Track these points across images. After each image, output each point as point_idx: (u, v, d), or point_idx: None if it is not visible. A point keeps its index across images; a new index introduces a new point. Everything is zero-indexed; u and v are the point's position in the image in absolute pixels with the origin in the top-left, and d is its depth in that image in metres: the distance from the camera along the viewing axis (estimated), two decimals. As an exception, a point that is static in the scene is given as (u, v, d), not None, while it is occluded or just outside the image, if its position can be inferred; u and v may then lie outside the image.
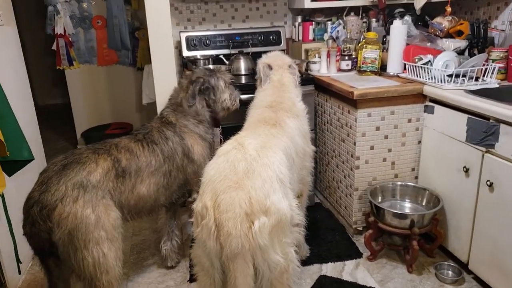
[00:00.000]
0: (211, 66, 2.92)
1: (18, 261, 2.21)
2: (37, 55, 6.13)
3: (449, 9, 2.73)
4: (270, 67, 2.28)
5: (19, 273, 2.31)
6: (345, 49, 2.95)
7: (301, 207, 2.28)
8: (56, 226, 1.64)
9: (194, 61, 2.94)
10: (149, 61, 2.63)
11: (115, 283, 1.79)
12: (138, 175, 1.96)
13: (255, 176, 1.49)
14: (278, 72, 2.26)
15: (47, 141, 4.14)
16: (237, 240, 1.41)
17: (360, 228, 2.68)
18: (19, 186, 2.33)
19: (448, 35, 2.76)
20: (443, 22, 2.76)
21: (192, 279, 2.28)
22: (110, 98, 4.43)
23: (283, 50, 3.28)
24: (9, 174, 2.04)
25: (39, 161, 2.73)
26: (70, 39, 3.97)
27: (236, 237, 1.41)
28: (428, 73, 2.46)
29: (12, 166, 2.02)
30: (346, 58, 2.92)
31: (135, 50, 4.19)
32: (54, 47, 3.96)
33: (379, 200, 2.52)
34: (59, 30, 3.88)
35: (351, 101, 2.46)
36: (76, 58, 4.08)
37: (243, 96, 2.52)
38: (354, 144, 2.51)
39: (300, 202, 2.24)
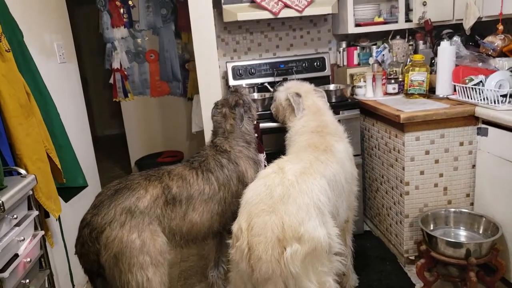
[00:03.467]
0: (255, 94, 2.99)
1: (73, 284, 2.31)
2: (97, 89, 6.57)
3: (501, 27, 2.62)
4: (298, 95, 2.29)
5: (73, 296, 2.41)
6: (391, 73, 2.91)
7: (349, 233, 2.23)
8: (103, 249, 1.71)
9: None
10: (198, 92, 2.74)
11: (159, 308, 1.81)
12: (189, 202, 1.99)
13: (290, 202, 1.48)
14: (309, 98, 2.28)
15: (104, 169, 4.39)
16: (267, 265, 1.41)
17: (412, 257, 2.55)
18: (75, 211, 2.46)
19: (502, 54, 2.65)
20: (495, 41, 2.65)
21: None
22: (162, 128, 4.62)
23: (327, 76, 3.30)
24: (66, 200, 2.17)
25: (94, 188, 2.89)
26: (125, 72, 4.22)
27: (266, 261, 1.41)
28: (480, 94, 2.35)
29: (68, 192, 2.15)
30: (393, 81, 2.87)
31: (185, 81, 4.36)
32: (111, 80, 4.24)
33: (431, 228, 2.40)
34: (116, 64, 4.14)
35: (398, 125, 2.40)
36: (131, 90, 4.31)
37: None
38: (403, 169, 2.43)
39: (347, 228, 2.19)
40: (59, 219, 2.13)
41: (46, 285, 1.81)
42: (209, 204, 2.05)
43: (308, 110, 2.24)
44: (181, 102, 4.55)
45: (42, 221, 1.90)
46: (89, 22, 5.59)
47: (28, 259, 1.61)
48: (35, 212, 1.71)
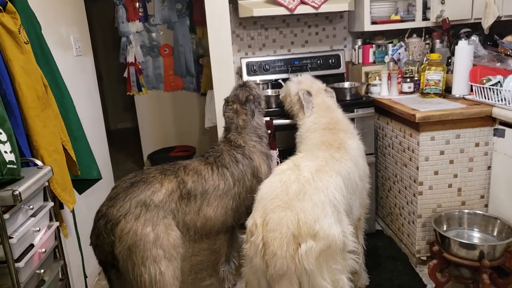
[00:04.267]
0: (269, 91, 2.98)
1: (85, 275, 2.34)
2: (111, 83, 6.62)
3: (520, 27, 2.58)
4: (309, 93, 2.30)
5: (86, 287, 2.43)
6: (407, 71, 2.88)
7: (361, 231, 2.22)
8: (118, 241, 1.73)
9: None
10: (212, 87, 2.74)
11: (171, 301, 1.83)
12: (204, 197, 2.00)
13: (305, 199, 1.49)
14: (319, 97, 2.30)
15: (117, 162, 4.44)
16: (282, 261, 1.41)
17: (424, 258, 2.54)
18: (89, 203, 2.50)
19: (521, 54, 2.60)
20: (515, 41, 2.61)
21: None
22: (175, 122, 4.64)
23: (342, 74, 3.28)
24: (80, 192, 2.19)
25: (108, 181, 2.93)
26: (140, 66, 4.25)
27: (281, 257, 1.41)
28: (497, 94, 2.32)
29: (82, 185, 2.17)
30: (408, 80, 2.84)
31: (199, 77, 4.38)
32: (125, 74, 4.27)
33: (444, 229, 2.38)
34: (130, 58, 4.18)
35: (413, 124, 2.37)
36: (145, 84, 4.34)
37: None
38: (417, 168, 2.40)
39: (359, 225, 2.19)
40: (73, 211, 2.16)
41: (60, 276, 1.83)
42: (224, 199, 2.07)
43: (318, 107, 2.25)
44: (194, 97, 4.57)
45: (57, 212, 1.92)
46: (103, 16, 5.62)
47: (43, 250, 1.63)
48: (51, 203, 1.73)
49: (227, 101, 2.40)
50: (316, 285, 1.48)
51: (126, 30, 4.07)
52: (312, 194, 1.51)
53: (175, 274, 1.85)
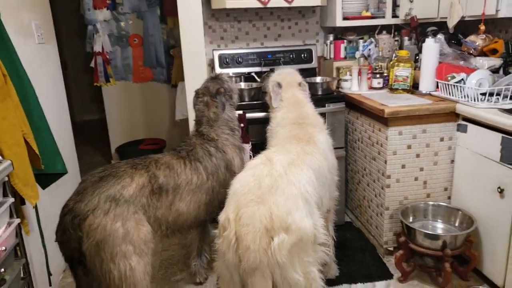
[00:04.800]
0: (242, 84, 2.97)
1: (49, 273, 2.27)
2: (77, 72, 6.40)
3: (482, 27, 2.69)
4: (279, 85, 2.31)
5: (50, 285, 2.36)
6: (377, 67, 2.94)
7: (331, 223, 2.27)
8: (86, 236, 1.69)
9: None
10: (183, 78, 2.70)
11: (142, 297, 1.80)
12: (176, 192, 1.99)
13: (278, 193, 1.51)
14: (289, 90, 2.29)
15: (83, 155, 4.32)
16: (255, 254, 1.43)
17: (391, 249, 2.62)
18: (53, 199, 2.41)
19: (482, 54, 2.71)
20: (477, 40, 2.72)
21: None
22: (144, 114, 4.55)
23: (314, 68, 3.31)
24: (43, 187, 2.11)
25: (73, 175, 2.84)
26: (107, 56, 4.14)
27: (254, 251, 1.42)
28: (461, 91, 2.41)
29: (46, 179, 2.09)
30: (378, 76, 2.91)
31: (169, 68, 4.31)
32: (92, 64, 4.15)
33: (411, 220, 2.46)
34: (97, 48, 4.06)
35: (382, 119, 2.44)
36: (113, 75, 4.24)
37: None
38: (385, 162, 2.47)
39: (328, 217, 2.23)
40: (35, 206, 2.08)
41: (22, 274, 1.75)
42: (197, 193, 2.06)
43: (287, 102, 2.26)
44: (164, 89, 4.49)
45: (18, 209, 1.83)
46: (68, 1, 5.41)
47: (3, 248, 1.55)
48: (11, 199, 1.64)
49: (197, 94, 2.37)
50: (288, 277, 1.51)
51: (93, 18, 3.95)
52: (284, 188, 1.53)
53: (145, 270, 1.83)
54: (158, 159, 2.03)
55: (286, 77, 2.37)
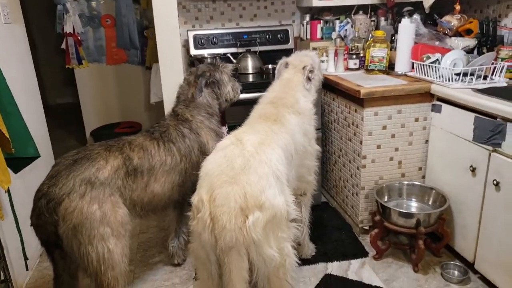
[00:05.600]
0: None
1: (25, 257, 2.24)
2: (48, 54, 6.19)
3: (458, 7, 2.71)
4: (286, 65, 2.30)
5: (27, 269, 2.33)
6: (353, 48, 2.94)
7: (306, 206, 2.28)
8: (62, 220, 1.67)
9: (201, 59, 2.96)
10: (157, 60, 2.65)
11: (120, 279, 1.80)
12: (151, 173, 1.98)
13: (251, 172, 1.52)
14: (291, 71, 2.26)
15: (57, 139, 4.22)
16: (231, 233, 1.44)
17: (367, 227, 2.67)
18: (26, 183, 2.36)
19: (457, 34, 2.74)
20: (452, 20, 2.74)
21: (196, 277, 2.29)
22: (119, 97, 4.46)
23: (291, 49, 3.29)
24: (15, 171, 2.06)
25: (46, 159, 2.77)
26: (79, 38, 4.01)
27: (230, 230, 1.44)
28: (436, 71, 2.44)
29: (18, 163, 2.04)
30: (354, 57, 2.91)
31: (143, 49, 4.21)
32: (63, 46, 4.01)
33: (386, 200, 2.51)
34: (68, 29, 3.92)
35: (358, 100, 2.45)
36: (85, 57, 4.11)
37: (250, 95, 2.55)
38: (361, 143, 2.50)
39: (304, 201, 2.24)
40: (8, 191, 2.04)
41: (-3, 260, 1.74)
42: (171, 175, 2.05)
43: (279, 81, 2.24)
44: (139, 70, 4.39)
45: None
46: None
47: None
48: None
49: (189, 72, 2.38)
50: (263, 253, 1.53)
51: (63, -3, 3.80)
52: (256, 167, 1.54)
53: (123, 252, 1.83)
54: (132, 140, 2.01)
55: (296, 59, 2.32)
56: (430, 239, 2.43)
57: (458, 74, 2.36)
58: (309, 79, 2.23)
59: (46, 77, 6.30)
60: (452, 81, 2.35)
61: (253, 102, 2.24)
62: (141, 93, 4.48)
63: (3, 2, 2.39)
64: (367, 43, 2.83)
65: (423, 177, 2.62)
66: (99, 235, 1.72)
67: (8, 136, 1.86)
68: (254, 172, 1.52)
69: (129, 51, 4.21)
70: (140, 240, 2.78)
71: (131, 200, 1.92)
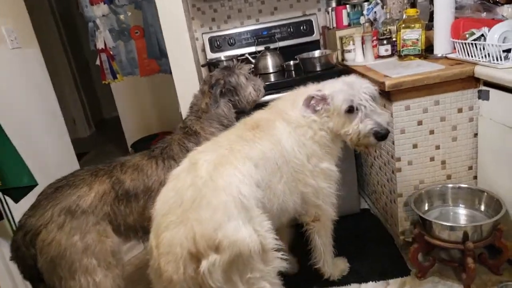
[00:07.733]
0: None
1: None
2: (98, 72, 6.40)
3: (508, -32, 2.23)
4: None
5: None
6: (385, 32, 2.56)
7: (319, 235, 1.93)
8: (39, 253, 1.57)
9: (216, 63, 2.75)
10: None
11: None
12: (148, 196, 1.82)
13: (203, 205, 1.25)
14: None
15: (107, 154, 4.28)
16: (181, 285, 1.19)
17: (409, 240, 2.29)
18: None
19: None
20: (503, -16, 2.26)
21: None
22: (155, 109, 4.43)
23: (316, 41, 2.99)
24: (15, 201, 2.00)
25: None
26: (111, 52, 4.02)
27: (179, 282, 1.19)
28: (481, 50, 2.00)
29: (16, 193, 1.98)
30: (385, 42, 2.53)
31: (175, 57, 4.12)
32: (97, 62, 4.05)
33: (426, 208, 2.12)
34: (100, 45, 3.94)
35: (385, 93, 2.09)
36: (119, 71, 4.11)
37: (271, 97, 2.29)
38: (393, 143, 2.13)
39: (316, 227, 1.92)
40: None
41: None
42: None
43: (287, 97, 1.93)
44: (172, 80, 4.31)
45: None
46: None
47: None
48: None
49: (203, 81, 2.22)
50: None
51: (91, 14, 3.83)
52: (210, 197, 1.27)
53: (115, 283, 1.69)
54: (126, 161, 1.88)
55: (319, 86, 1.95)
56: (487, 253, 2.01)
57: (508, 51, 1.90)
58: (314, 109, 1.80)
59: (102, 92, 6.52)
60: (502, 60, 1.90)
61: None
62: (176, 103, 4.40)
63: (9, 27, 2.38)
64: (398, 25, 2.44)
65: (475, 177, 2.17)
66: (83, 267, 1.60)
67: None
68: (207, 205, 1.25)
69: (161, 60, 4.13)
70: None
71: (127, 226, 1.78)
